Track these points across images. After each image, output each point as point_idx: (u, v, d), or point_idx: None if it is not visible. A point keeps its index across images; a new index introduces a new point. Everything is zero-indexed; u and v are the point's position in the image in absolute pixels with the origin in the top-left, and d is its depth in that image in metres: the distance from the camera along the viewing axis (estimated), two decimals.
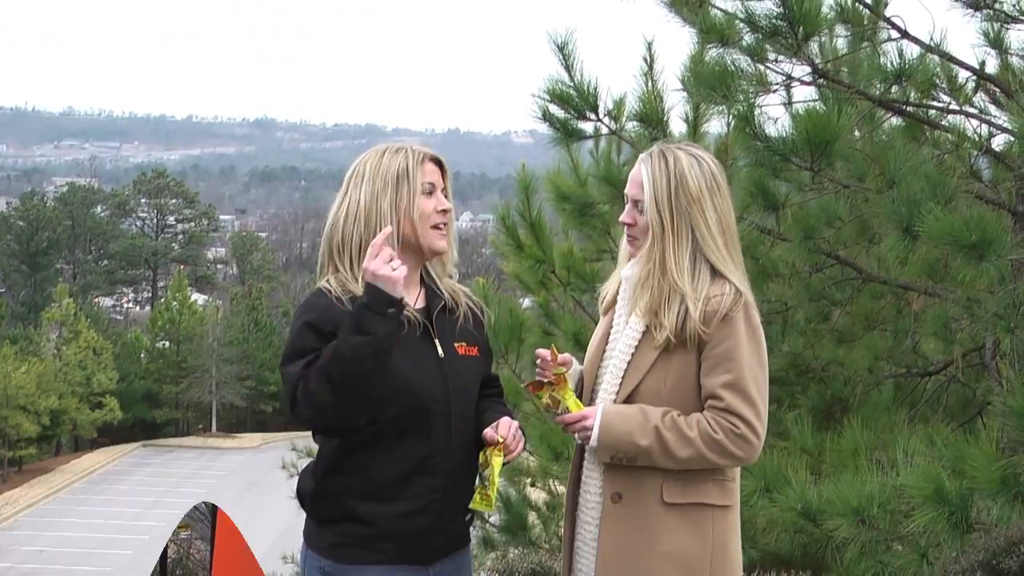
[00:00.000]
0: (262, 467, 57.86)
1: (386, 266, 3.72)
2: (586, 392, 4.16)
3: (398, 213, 3.94)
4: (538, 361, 4.11)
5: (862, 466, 6.04)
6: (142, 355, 74.41)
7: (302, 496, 4.07)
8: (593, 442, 3.94)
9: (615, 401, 4.02)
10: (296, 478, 4.19)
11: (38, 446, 62.11)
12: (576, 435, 4.00)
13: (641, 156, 4.09)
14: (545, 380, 4.08)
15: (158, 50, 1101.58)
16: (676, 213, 3.96)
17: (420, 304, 4.05)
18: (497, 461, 4.01)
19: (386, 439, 3.90)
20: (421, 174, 4.00)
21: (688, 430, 3.84)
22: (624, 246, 4.20)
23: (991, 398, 6.11)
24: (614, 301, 4.22)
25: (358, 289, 3.85)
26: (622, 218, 4.09)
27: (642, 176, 4.02)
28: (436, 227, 4.01)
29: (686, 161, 4.00)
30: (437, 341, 4.00)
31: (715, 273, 3.98)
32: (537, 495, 10.18)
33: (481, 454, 4.04)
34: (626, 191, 4.10)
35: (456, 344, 4.06)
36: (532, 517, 9.91)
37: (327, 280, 3.97)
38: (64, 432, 64.71)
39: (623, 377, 4.02)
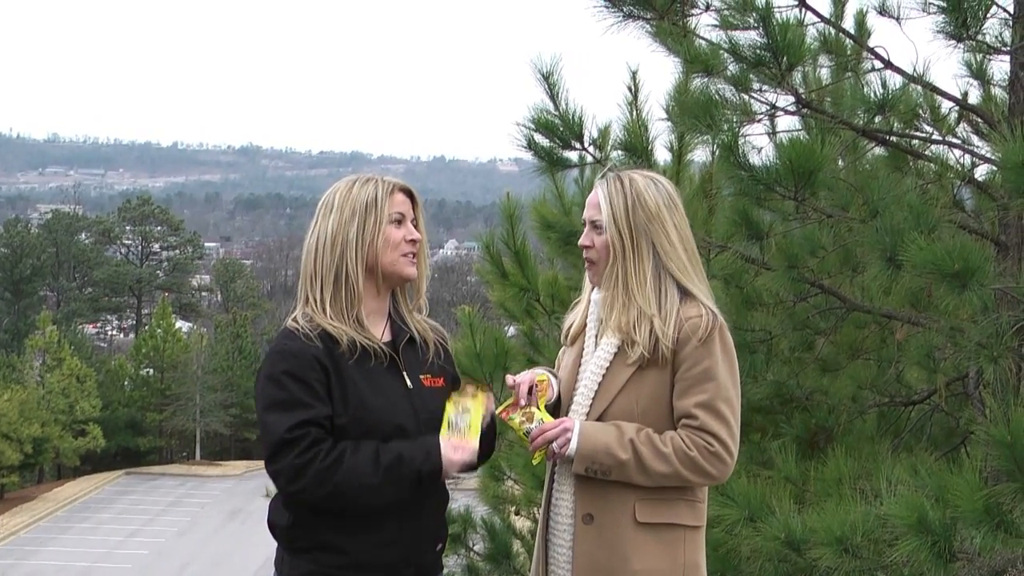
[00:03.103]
0: (246, 495, 57.74)
1: (464, 464, 3.95)
2: (562, 416, 4.17)
3: (365, 241, 3.97)
4: (514, 389, 4.15)
5: (846, 495, 6.04)
6: (126, 383, 74.07)
7: (273, 526, 4.08)
8: (572, 450, 3.97)
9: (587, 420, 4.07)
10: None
11: (20, 474, 61.75)
12: (555, 444, 4.01)
13: (597, 180, 4.16)
14: (522, 405, 4.10)
15: (143, 77, 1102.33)
16: (635, 230, 4.04)
17: (386, 337, 4.09)
18: (477, 403, 4.04)
19: None
20: (390, 204, 4.03)
21: (663, 446, 3.90)
22: (588, 278, 4.27)
23: (974, 427, 6.12)
24: (582, 329, 4.27)
25: (325, 322, 3.94)
26: (581, 241, 4.17)
27: (599, 197, 4.10)
28: (406, 255, 4.05)
29: (642, 182, 4.11)
30: (405, 373, 4.04)
31: (684, 292, 4.04)
32: (522, 523, 10.15)
33: (451, 403, 4.05)
34: (584, 216, 4.18)
35: (422, 376, 4.10)
36: (517, 545, 9.88)
37: (294, 318, 4.01)
38: (47, 460, 64.35)
39: (594, 398, 4.07)
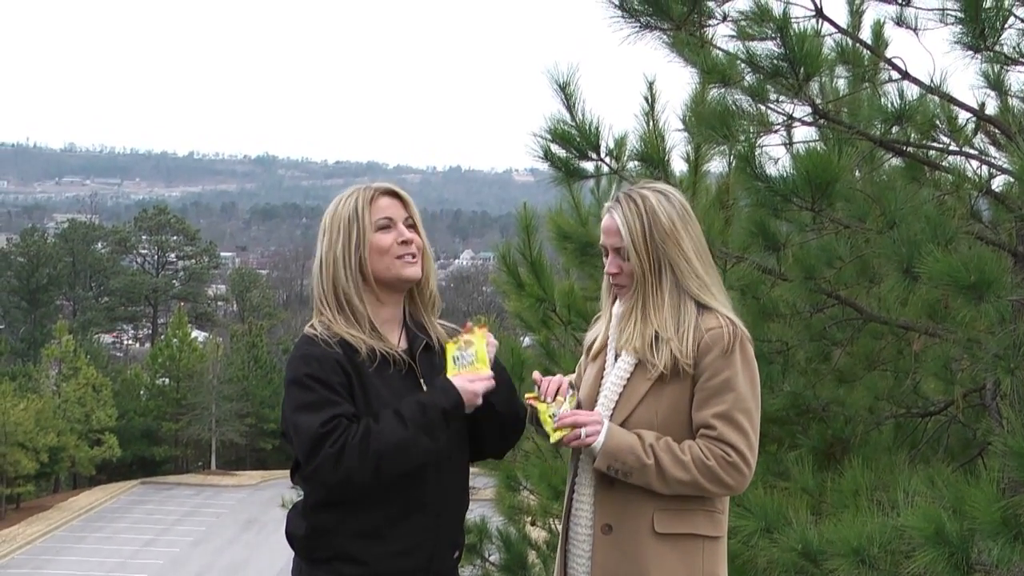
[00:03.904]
0: (261, 505, 57.80)
1: (482, 393, 3.96)
2: None
3: (352, 256, 3.99)
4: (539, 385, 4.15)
5: (863, 506, 6.03)
6: (142, 392, 74.26)
7: (291, 536, 4.08)
8: (599, 443, 3.95)
9: None
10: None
11: (36, 483, 61.97)
12: (584, 429, 3.99)
13: (607, 205, 4.15)
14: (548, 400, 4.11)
15: (160, 87, 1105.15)
16: (653, 252, 4.03)
17: (403, 345, 4.09)
18: (478, 336, 4.08)
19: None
20: (371, 212, 4.02)
21: (682, 454, 3.91)
22: (605, 292, 4.27)
23: (991, 439, 6.11)
24: (604, 343, 4.26)
25: (343, 331, 3.95)
26: (608, 269, 4.14)
27: (617, 223, 4.07)
28: (401, 257, 4.04)
29: (654, 198, 4.08)
30: (422, 380, 4.04)
31: (701, 306, 4.02)
32: (537, 534, 10.16)
33: (452, 343, 4.07)
34: (603, 242, 4.16)
35: None
36: (532, 556, 9.89)
37: (312, 325, 4.03)
38: (63, 469, 64.56)
39: (614, 408, 4.07)
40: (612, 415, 4.06)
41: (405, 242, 4.04)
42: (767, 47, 6.55)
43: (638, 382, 4.04)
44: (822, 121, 6.85)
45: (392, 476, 3.86)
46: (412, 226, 4.09)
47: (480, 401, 3.98)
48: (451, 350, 4.05)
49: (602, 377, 4.20)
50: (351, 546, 3.92)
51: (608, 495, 4.03)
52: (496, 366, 4.11)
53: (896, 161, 7.42)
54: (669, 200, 4.09)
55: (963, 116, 7.24)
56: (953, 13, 6.58)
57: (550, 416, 4.07)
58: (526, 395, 4.15)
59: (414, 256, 4.06)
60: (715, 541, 4.07)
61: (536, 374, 4.19)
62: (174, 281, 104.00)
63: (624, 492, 3.99)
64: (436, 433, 3.87)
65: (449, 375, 4.00)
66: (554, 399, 4.11)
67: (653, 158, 7.51)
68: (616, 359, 4.15)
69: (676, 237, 4.04)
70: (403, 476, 3.91)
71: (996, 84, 7.22)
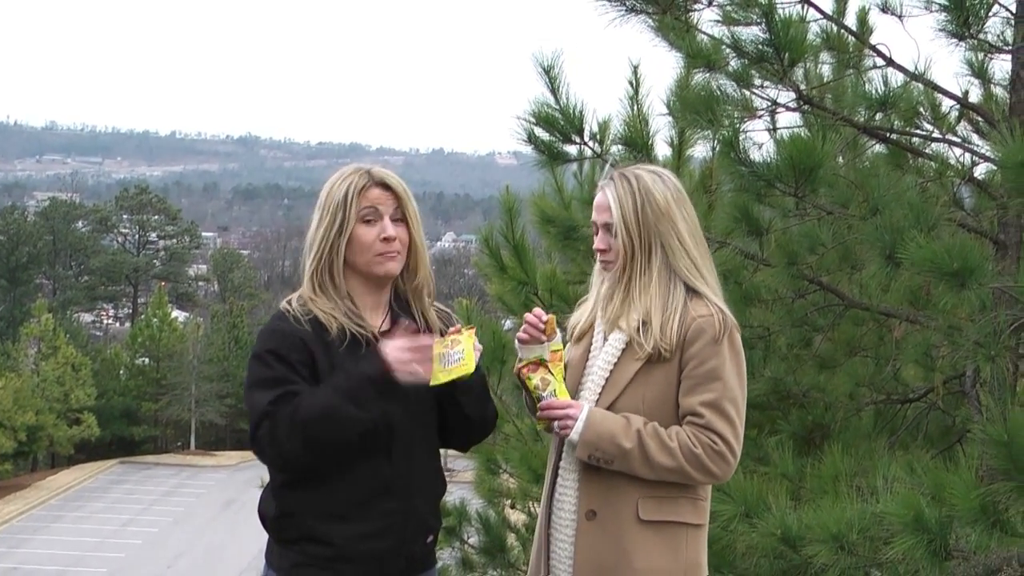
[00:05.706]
0: (240, 485, 57.69)
1: (411, 364, 3.79)
2: None
3: (340, 243, 3.92)
4: (525, 324, 4.15)
5: (842, 492, 6.04)
6: (121, 372, 73.98)
7: (263, 516, 4.06)
8: (575, 435, 3.96)
9: None
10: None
11: (14, 462, 61.66)
12: (556, 423, 4.00)
13: (600, 183, 4.13)
14: (544, 358, 4.08)
15: (142, 66, 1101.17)
16: (644, 229, 4.01)
17: (385, 326, 4.04)
18: (467, 335, 3.95)
19: (347, 460, 3.89)
20: (359, 201, 3.93)
21: (669, 441, 3.90)
22: (596, 275, 4.25)
23: (971, 426, 6.14)
24: (589, 326, 4.25)
25: (317, 308, 3.91)
26: (596, 245, 4.13)
27: (608, 200, 4.06)
28: (381, 254, 3.95)
29: (648, 178, 4.07)
30: None
31: (691, 290, 4.01)
32: (516, 517, 10.16)
33: (439, 343, 3.95)
34: (593, 219, 4.14)
35: None
36: (511, 539, 9.89)
37: (288, 300, 3.98)
38: (41, 448, 64.29)
39: (600, 393, 4.05)
40: (599, 399, 4.05)
41: (387, 239, 3.94)
42: (752, 32, 6.56)
43: (626, 364, 4.01)
44: (806, 107, 6.87)
45: (323, 448, 3.77)
46: (401, 219, 3.99)
47: (420, 374, 3.82)
48: (436, 349, 3.93)
49: (587, 359, 4.18)
50: (319, 527, 3.90)
51: (593, 481, 4.01)
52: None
53: (879, 148, 7.45)
54: (663, 180, 4.08)
55: (947, 104, 7.27)
56: (937, 1, 6.59)
57: (537, 399, 4.06)
58: (520, 366, 4.13)
59: (394, 254, 3.97)
60: (698, 529, 4.06)
61: (528, 316, 4.16)
62: (155, 261, 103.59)
63: (609, 478, 3.97)
64: (362, 401, 3.74)
65: (432, 377, 3.88)
66: (548, 339, 4.10)
67: (637, 142, 7.52)
68: (605, 340, 4.13)
69: (670, 216, 4.01)
70: (362, 457, 3.87)
71: (980, 72, 7.25)
